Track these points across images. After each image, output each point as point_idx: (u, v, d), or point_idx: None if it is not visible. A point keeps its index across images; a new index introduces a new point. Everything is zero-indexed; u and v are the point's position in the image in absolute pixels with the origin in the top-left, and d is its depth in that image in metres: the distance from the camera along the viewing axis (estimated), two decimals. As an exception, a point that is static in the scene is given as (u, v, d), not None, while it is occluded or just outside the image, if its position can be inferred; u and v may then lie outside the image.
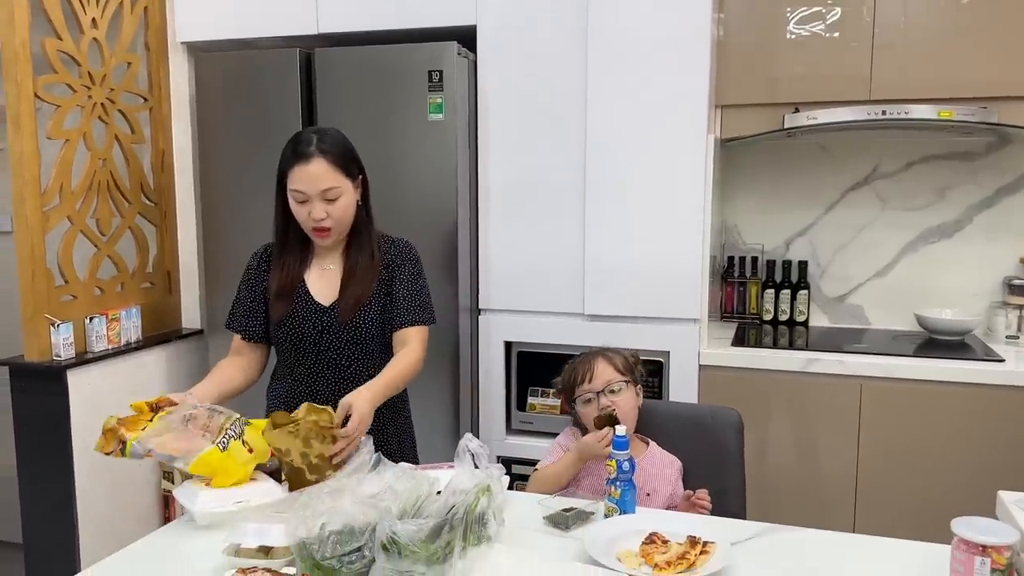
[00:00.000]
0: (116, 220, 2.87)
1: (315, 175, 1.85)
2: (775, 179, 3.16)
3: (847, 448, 2.59)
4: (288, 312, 1.95)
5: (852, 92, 2.72)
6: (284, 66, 2.77)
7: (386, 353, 1.99)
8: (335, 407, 1.73)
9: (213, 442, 1.64)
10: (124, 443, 1.63)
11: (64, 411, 2.57)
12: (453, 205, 2.68)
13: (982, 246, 2.96)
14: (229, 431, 1.66)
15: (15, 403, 2.60)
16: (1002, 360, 2.55)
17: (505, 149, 2.74)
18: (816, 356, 2.62)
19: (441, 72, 2.63)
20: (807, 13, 2.74)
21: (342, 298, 1.95)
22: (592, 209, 2.67)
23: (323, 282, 1.98)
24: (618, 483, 1.60)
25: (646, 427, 2.00)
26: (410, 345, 1.94)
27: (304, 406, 1.70)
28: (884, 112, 2.65)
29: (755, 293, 3.18)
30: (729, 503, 1.91)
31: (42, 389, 2.58)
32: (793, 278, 3.11)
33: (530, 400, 2.85)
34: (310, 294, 1.96)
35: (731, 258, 3.20)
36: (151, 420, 1.67)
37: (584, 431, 1.90)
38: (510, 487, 1.69)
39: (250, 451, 1.66)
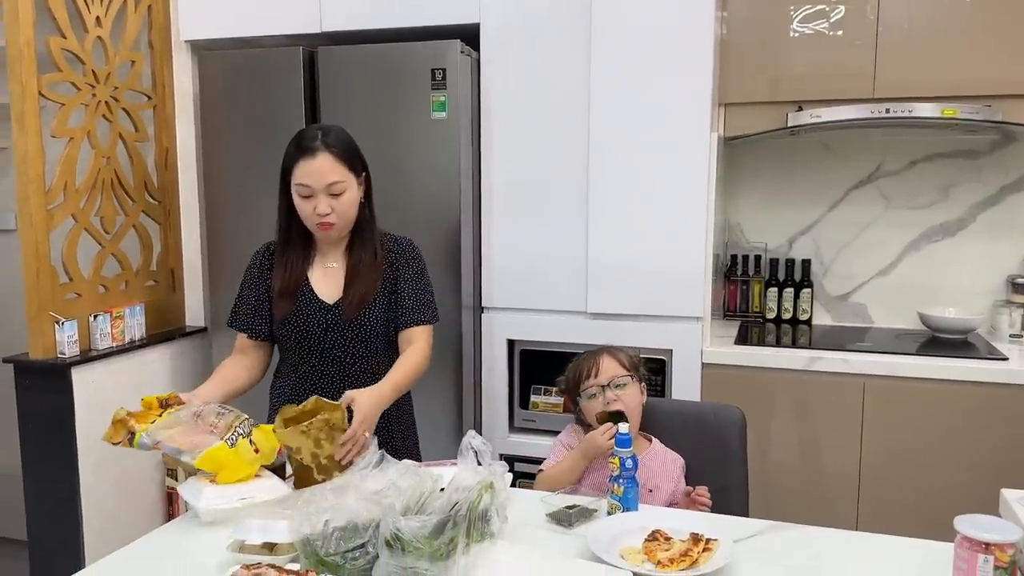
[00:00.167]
0: (120, 218, 2.87)
1: (320, 169, 1.85)
2: (778, 177, 3.16)
3: (850, 446, 2.59)
4: (292, 311, 1.96)
5: (856, 90, 2.71)
6: (287, 64, 2.78)
7: (390, 350, 1.99)
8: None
9: (222, 438, 1.64)
10: (133, 434, 1.64)
11: (68, 408, 2.58)
12: (456, 203, 2.69)
13: (986, 244, 2.96)
14: (238, 429, 1.67)
15: (20, 401, 2.61)
16: (1005, 359, 2.55)
17: (508, 147, 2.75)
18: (819, 354, 2.62)
19: (444, 70, 2.63)
20: (811, 11, 2.74)
21: (346, 296, 1.95)
22: (595, 207, 2.67)
23: (327, 280, 1.98)
24: (621, 480, 1.61)
25: (649, 425, 2.00)
26: (416, 344, 1.95)
27: (313, 399, 1.70)
28: (888, 110, 2.65)
29: (758, 291, 3.18)
30: (732, 501, 1.91)
31: (46, 387, 2.58)
32: (796, 276, 3.11)
33: (533, 398, 2.86)
34: (314, 292, 1.97)
35: (734, 256, 3.20)
36: (160, 415, 1.68)
37: (587, 429, 1.90)
38: (513, 484, 1.69)
39: (256, 451, 1.67)
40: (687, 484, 1.92)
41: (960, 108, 2.59)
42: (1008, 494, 1.53)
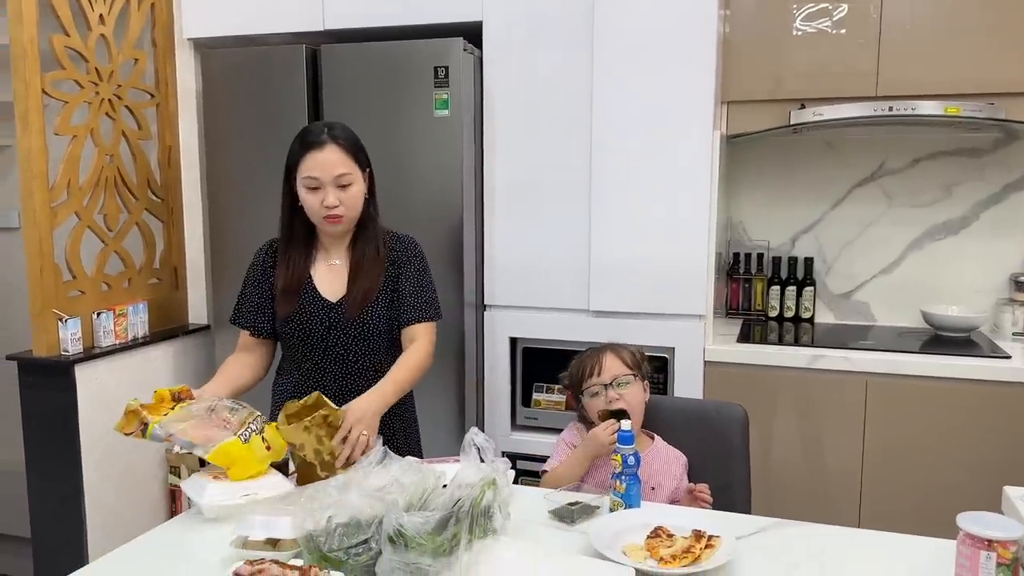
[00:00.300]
0: (123, 216, 2.88)
1: (329, 161, 1.86)
2: (781, 175, 3.16)
3: (852, 444, 2.59)
4: (295, 309, 1.96)
5: (858, 88, 2.71)
6: (290, 62, 2.78)
7: (392, 348, 2.00)
8: (342, 402, 1.75)
9: (235, 434, 1.65)
10: (146, 425, 1.65)
11: (72, 406, 2.58)
12: (459, 201, 2.69)
13: (989, 243, 2.96)
14: (251, 426, 1.68)
15: (23, 398, 2.62)
16: (1008, 357, 2.55)
17: (511, 145, 2.75)
18: (821, 352, 2.62)
19: (447, 68, 2.63)
20: (814, 9, 2.74)
21: (349, 293, 1.95)
22: (597, 205, 2.67)
23: (330, 278, 1.98)
24: (623, 477, 1.61)
25: (652, 422, 2.00)
26: (418, 342, 1.95)
27: (315, 394, 1.71)
28: (891, 108, 2.64)
29: (761, 289, 3.18)
30: (734, 498, 1.91)
31: (50, 384, 2.59)
32: (799, 274, 3.11)
33: (535, 396, 2.86)
34: (317, 290, 1.97)
35: (737, 254, 3.20)
36: (172, 408, 1.69)
37: (589, 426, 1.90)
38: (515, 482, 1.70)
39: (268, 448, 1.67)
40: (690, 481, 1.92)
41: (963, 106, 2.59)
42: (1011, 491, 1.53)
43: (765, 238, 3.20)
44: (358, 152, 1.93)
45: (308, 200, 1.90)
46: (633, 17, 2.57)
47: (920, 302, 2.99)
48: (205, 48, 3.00)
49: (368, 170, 1.96)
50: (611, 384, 1.89)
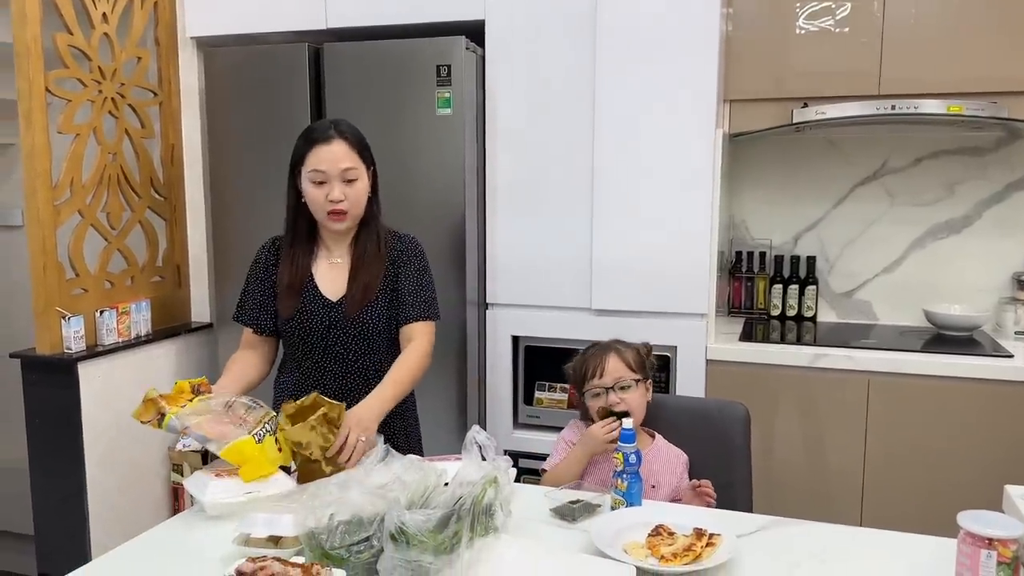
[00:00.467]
0: (126, 214, 2.88)
1: (336, 154, 1.87)
2: (783, 174, 3.15)
3: (854, 443, 2.59)
4: (296, 308, 1.96)
5: (861, 87, 2.71)
6: (293, 61, 2.78)
7: (392, 347, 2.00)
8: (342, 401, 1.75)
9: (249, 432, 1.65)
10: (163, 415, 1.65)
11: (75, 403, 2.59)
12: (461, 200, 2.69)
13: (991, 241, 2.95)
14: (266, 425, 1.68)
15: (27, 396, 2.62)
16: (1011, 356, 2.55)
17: (513, 144, 2.75)
18: (824, 351, 2.61)
19: (449, 67, 2.63)
20: (817, 8, 2.74)
21: (350, 288, 1.96)
22: (599, 203, 2.67)
23: (331, 276, 1.99)
24: (625, 475, 1.61)
25: (653, 421, 2.00)
26: (416, 341, 1.95)
27: (312, 395, 1.71)
28: (893, 107, 2.64)
29: (763, 288, 3.18)
30: (736, 497, 1.91)
31: (53, 382, 2.59)
32: (801, 273, 3.11)
33: (537, 394, 2.86)
34: (318, 289, 1.97)
35: (739, 253, 3.20)
36: (191, 400, 1.69)
37: (591, 424, 1.90)
38: (517, 480, 1.70)
39: (280, 450, 1.68)
40: (691, 480, 1.92)
41: (966, 105, 2.58)
42: (1012, 490, 1.54)
43: (767, 237, 3.20)
44: (363, 149, 1.93)
45: (313, 194, 1.89)
46: (636, 15, 2.57)
47: (922, 301, 2.99)
48: (208, 47, 3.00)
49: (372, 168, 1.97)
50: (612, 388, 1.89)
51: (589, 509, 1.62)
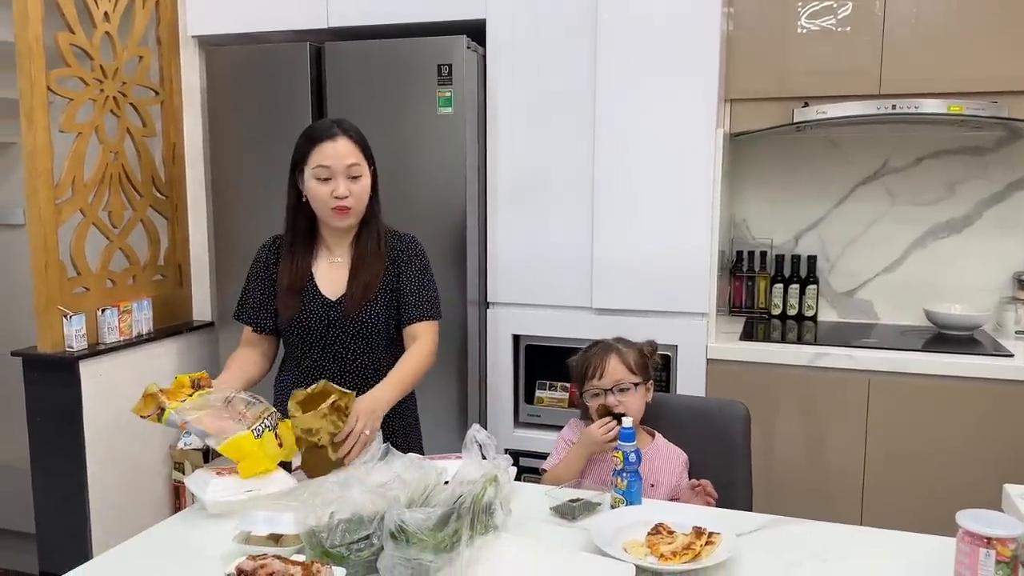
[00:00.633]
0: (128, 213, 2.89)
1: (341, 151, 1.88)
2: (784, 173, 3.15)
3: (854, 442, 2.59)
4: (296, 309, 1.96)
5: (862, 86, 2.71)
6: (294, 60, 2.79)
7: (391, 347, 2.00)
8: None
9: (249, 428, 1.65)
10: (163, 410, 1.65)
11: (76, 402, 2.59)
12: (462, 199, 2.69)
13: (992, 241, 2.95)
14: (265, 421, 1.68)
15: (28, 394, 2.63)
16: (1011, 355, 2.55)
17: (514, 143, 2.75)
18: (824, 351, 2.62)
19: (450, 66, 2.63)
20: (818, 7, 2.74)
21: (350, 287, 1.96)
22: (600, 203, 2.67)
23: (331, 275, 1.99)
24: (624, 474, 1.61)
25: (654, 420, 2.00)
26: (421, 340, 1.95)
27: (322, 382, 1.72)
28: (894, 106, 2.64)
29: (764, 287, 3.18)
30: (736, 496, 1.91)
31: (55, 380, 2.60)
32: (802, 273, 3.11)
33: (538, 393, 2.86)
34: (318, 288, 1.97)
35: (740, 252, 3.20)
36: (191, 395, 1.69)
37: (590, 423, 1.90)
38: (517, 479, 1.70)
39: (280, 445, 1.68)
40: (691, 479, 1.92)
41: (966, 104, 2.58)
42: (1011, 489, 1.54)
43: (768, 236, 3.20)
44: (366, 147, 1.95)
45: (318, 191, 1.89)
46: (637, 16, 2.57)
47: (923, 300, 2.99)
48: (209, 45, 3.01)
49: (373, 167, 1.97)
50: (611, 390, 1.88)
51: (589, 507, 1.62)
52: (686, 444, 1.97)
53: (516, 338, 2.85)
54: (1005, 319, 2.88)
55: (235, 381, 1.90)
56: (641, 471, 1.65)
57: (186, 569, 1.43)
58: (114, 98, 2.79)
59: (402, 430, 2.04)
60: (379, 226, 2.00)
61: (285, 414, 1.74)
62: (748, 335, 2.83)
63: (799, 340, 2.80)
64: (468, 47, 2.66)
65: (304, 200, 1.94)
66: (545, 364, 2.83)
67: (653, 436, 1.97)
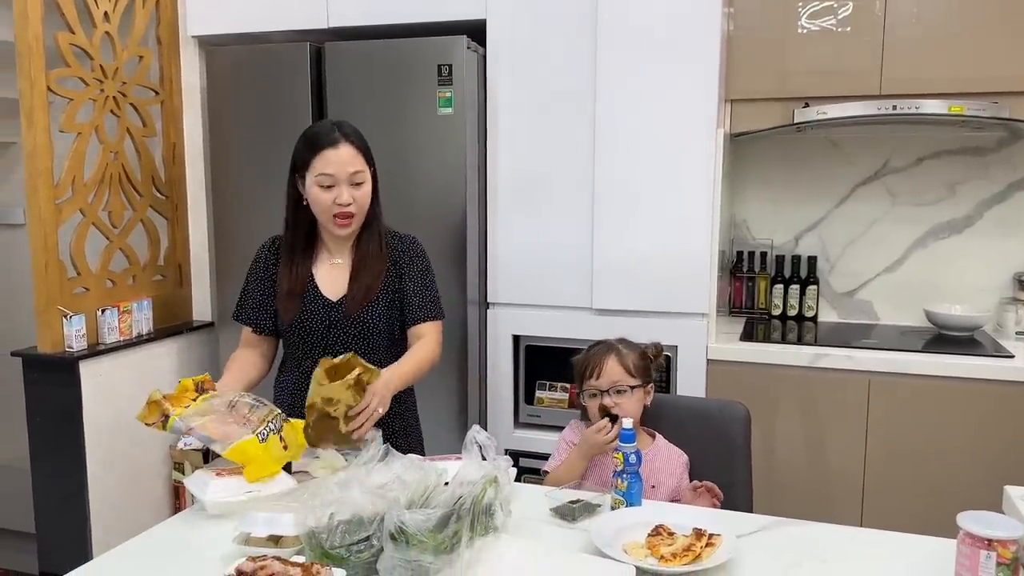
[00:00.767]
0: (128, 213, 2.89)
1: (345, 158, 1.87)
2: (785, 174, 3.15)
3: (855, 443, 2.59)
4: (297, 311, 1.96)
5: (863, 87, 2.71)
6: (294, 60, 2.78)
7: (393, 348, 2.00)
8: None
9: (253, 432, 1.65)
10: (167, 417, 1.65)
11: (76, 402, 2.59)
12: (462, 199, 2.69)
13: (993, 241, 2.95)
14: (270, 424, 1.68)
15: (28, 394, 2.63)
16: (1012, 356, 2.55)
17: (514, 143, 2.75)
18: (824, 351, 2.61)
19: (450, 66, 2.63)
20: (818, 7, 2.74)
21: (351, 289, 1.96)
22: (601, 203, 2.67)
23: (332, 277, 1.99)
24: (625, 475, 1.61)
25: (654, 420, 2.00)
26: (427, 337, 1.96)
27: (351, 353, 1.73)
28: (895, 107, 2.64)
29: (764, 288, 3.18)
30: (736, 497, 1.91)
31: (55, 380, 2.60)
32: (802, 273, 3.11)
33: (538, 394, 2.86)
34: (319, 289, 1.97)
35: (740, 253, 3.20)
36: (195, 399, 1.69)
37: (589, 423, 1.90)
38: (517, 479, 1.70)
39: (284, 448, 1.68)
40: (691, 480, 1.92)
41: (967, 105, 2.58)
42: (1012, 491, 1.53)
43: (769, 236, 3.20)
44: (367, 151, 1.94)
45: (321, 198, 1.89)
46: (637, 15, 2.57)
47: (923, 301, 2.98)
48: (209, 45, 3.01)
49: (373, 169, 1.97)
50: (608, 391, 1.88)
51: (589, 509, 1.62)
52: (686, 445, 1.97)
53: (516, 338, 2.85)
54: (1005, 320, 2.88)
55: (236, 383, 1.89)
56: (641, 472, 1.64)
57: (186, 570, 1.43)
58: (114, 98, 2.79)
59: (403, 431, 2.04)
60: (380, 227, 2.00)
61: (287, 415, 1.74)
62: (748, 336, 2.83)
63: (799, 341, 2.80)
64: (468, 47, 2.66)
65: (304, 203, 1.94)
66: (545, 365, 2.82)
67: (653, 437, 1.97)
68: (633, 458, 1.61)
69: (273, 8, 2.91)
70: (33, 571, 2.75)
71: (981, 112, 2.59)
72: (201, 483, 1.63)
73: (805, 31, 2.76)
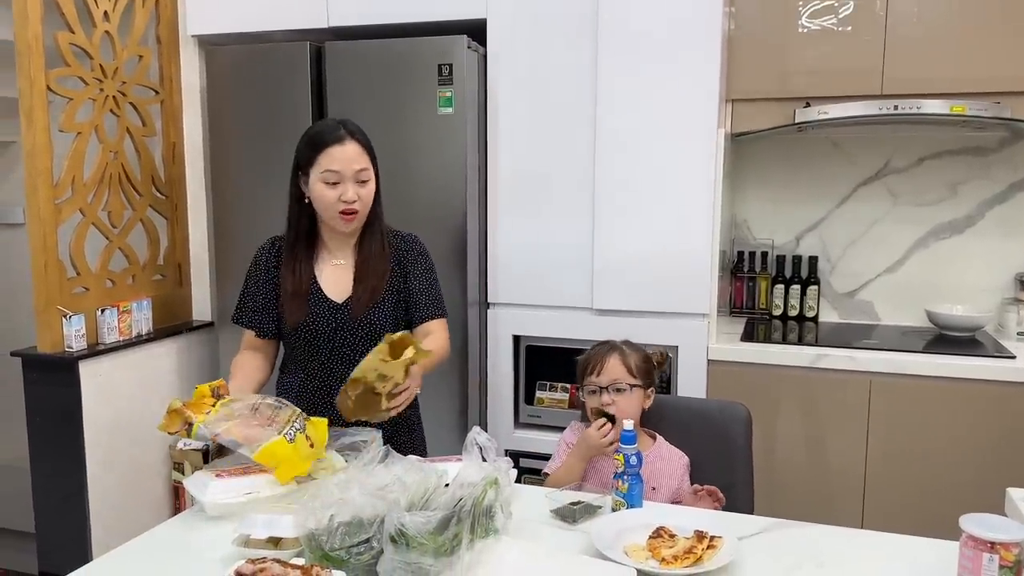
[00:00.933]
0: (127, 212, 2.88)
1: (351, 155, 1.86)
2: (786, 174, 3.15)
3: (856, 444, 2.58)
4: (303, 313, 1.95)
5: (864, 87, 2.70)
6: (294, 59, 2.78)
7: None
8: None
9: (279, 433, 1.64)
10: (190, 425, 1.65)
11: (76, 402, 2.59)
12: (462, 199, 2.69)
13: (994, 242, 2.95)
14: (295, 424, 1.68)
15: (28, 394, 2.62)
16: (1013, 357, 2.54)
17: (515, 143, 2.74)
18: (825, 352, 2.61)
19: (451, 66, 2.63)
20: (819, 7, 2.73)
21: (356, 292, 1.95)
22: (601, 203, 2.66)
23: (335, 278, 1.97)
24: (626, 477, 1.60)
25: (654, 421, 2.00)
26: (438, 334, 1.97)
27: (404, 333, 1.72)
28: (896, 107, 2.63)
29: (765, 288, 3.17)
30: (737, 498, 1.91)
31: (54, 380, 2.59)
32: (803, 273, 3.10)
33: (538, 394, 2.86)
34: (322, 292, 1.96)
35: (741, 253, 3.19)
36: (213, 405, 1.69)
37: (589, 425, 1.90)
38: (517, 480, 1.70)
39: (311, 446, 1.68)
40: (692, 482, 1.92)
41: (969, 105, 2.58)
42: (1014, 493, 1.53)
43: (769, 236, 3.19)
44: (371, 149, 1.93)
45: (325, 195, 1.88)
46: (638, 14, 2.56)
47: (925, 301, 2.98)
48: (209, 45, 3.00)
49: (377, 168, 1.96)
50: (607, 388, 1.88)
51: (590, 510, 1.62)
52: (687, 446, 1.97)
53: (516, 339, 2.84)
54: (1007, 320, 2.87)
55: (248, 385, 1.90)
56: (642, 474, 1.64)
57: (185, 571, 1.42)
58: (114, 97, 2.79)
59: (407, 430, 2.04)
60: (382, 227, 1.99)
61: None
62: (749, 336, 2.83)
63: (800, 341, 2.79)
64: (469, 47, 2.65)
65: (307, 201, 1.93)
66: (545, 365, 2.82)
67: (654, 439, 1.96)
68: (634, 460, 1.61)
69: (273, 7, 2.91)
70: (33, 571, 2.75)
71: (983, 112, 2.58)
72: (200, 484, 1.63)
73: (806, 30, 2.75)
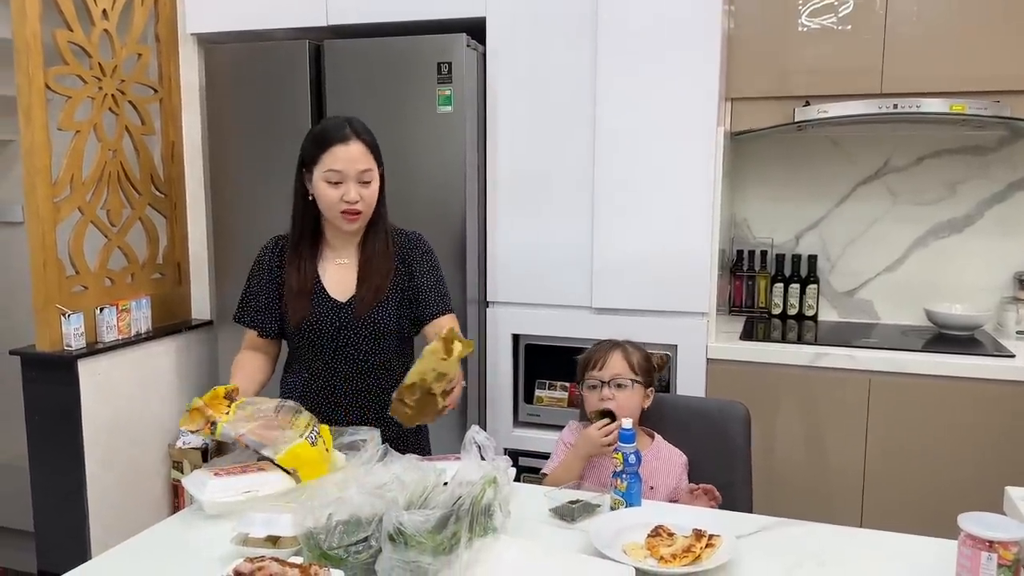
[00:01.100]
0: (126, 211, 2.88)
1: (355, 155, 1.86)
2: (785, 173, 3.15)
3: (855, 443, 2.58)
4: (306, 312, 1.95)
5: (863, 85, 2.70)
6: (293, 58, 2.78)
7: (402, 345, 2.00)
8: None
9: (301, 436, 1.66)
10: (214, 424, 1.66)
11: (75, 401, 2.59)
12: (461, 197, 2.69)
13: (993, 241, 2.94)
14: (314, 428, 1.70)
15: (26, 393, 2.62)
16: (1012, 355, 2.54)
17: (514, 142, 2.74)
18: (825, 351, 2.61)
19: (450, 64, 2.62)
20: (819, 5, 2.73)
21: (360, 291, 1.94)
22: (601, 202, 2.66)
23: (338, 277, 1.97)
24: (624, 475, 1.60)
25: (653, 420, 2.00)
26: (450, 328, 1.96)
27: (449, 328, 1.72)
28: (895, 106, 2.63)
29: (764, 287, 3.17)
30: (736, 497, 1.91)
31: (53, 379, 2.59)
32: (802, 272, 3.10)
33: (537, 393, 2.86)
34: (326, 291, 1.95)
35: (740, 251, 3.19)
36: (228, 407, 1.70)
37: (588, 424, 1.90)
38: (516, 479, 1.70)
39: (327, 449, 1.69)
40: (691, 480, 1.92)
41: (968, 104, 2.57)
42: (1013, 492, 1.53)
43: (769, 235, 3.19)
44: (377, 150, 1.92)
45: (328, 194, 1.87)
46: (637, 13, 2.56)
47: (924, 300, 2.98)
48: (208, 43, 3.00)
49: (381, 168, 1.95)
50: (608, 383, 1.88)
51: (588, 509, 1.62)
52: (686, 445, 1.97)
53: (516, 337, 2.84)
54: (1006, 319, 2.87)
55: (251, 385, 1.90)
56: (641, 473, 1.64)
57: (184, 570, 1.42)
58: (112, 96, 2.79)
59: (415, 428, 2.02)
60: (386, 226, 1.99)
61: None
62: (748, 335, 2.83)
63: (799, 340, 2.79)
64: (468, 45, 2.65)
65: (310, 199, 1.93)
66: (545, 363, 2.82)
67: (653, 438, 1.96)
68: (632, 458, 1.61)
69: (272, 6, 2.91)
70: (31, 570, 2.75)
71: (982, 111, 2.58)
72: (199, 483, 1.63)
73: (806, 29, 2.75)
